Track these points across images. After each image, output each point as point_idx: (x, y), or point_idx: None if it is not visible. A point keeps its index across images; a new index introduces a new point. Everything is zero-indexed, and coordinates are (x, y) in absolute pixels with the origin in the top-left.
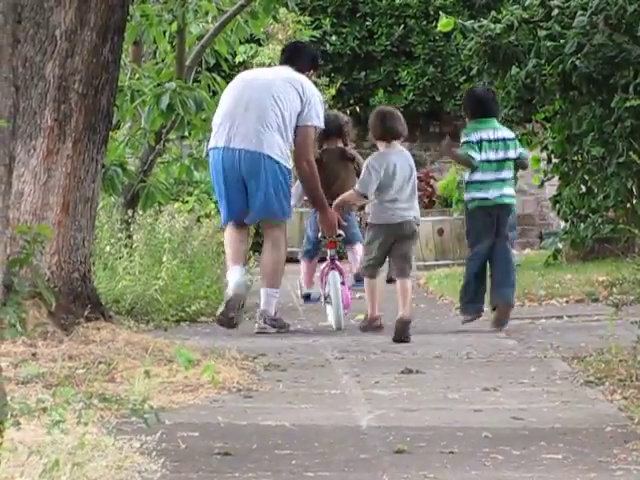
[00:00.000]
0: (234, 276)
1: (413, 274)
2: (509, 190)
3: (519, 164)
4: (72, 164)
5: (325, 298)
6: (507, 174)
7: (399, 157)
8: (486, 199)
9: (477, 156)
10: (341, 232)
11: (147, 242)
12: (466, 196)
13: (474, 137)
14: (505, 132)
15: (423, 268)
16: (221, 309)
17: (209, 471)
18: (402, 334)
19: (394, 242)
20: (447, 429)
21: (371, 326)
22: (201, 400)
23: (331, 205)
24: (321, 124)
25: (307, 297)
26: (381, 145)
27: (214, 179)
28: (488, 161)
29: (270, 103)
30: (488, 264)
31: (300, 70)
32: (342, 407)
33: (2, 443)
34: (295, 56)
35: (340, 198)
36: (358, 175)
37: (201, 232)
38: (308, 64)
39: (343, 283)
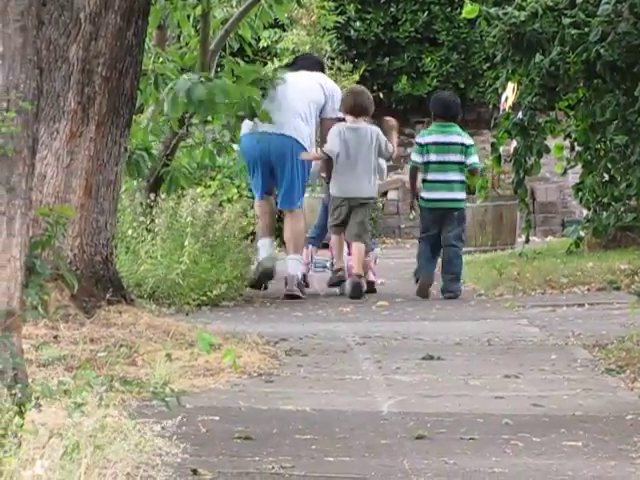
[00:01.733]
0: (264, 248)
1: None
2: (456, 192)
3: (470, 171)
4: (95, 147)
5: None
6: (455, 176)
7: (362, 132)
8: (432, 200)
9: (418, 159)
10: None
11: (169, 226)
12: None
13: (423, 140)
14: (461, 138)
15: None
16: (254, 277)
17: (229, 455)
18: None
19: (351, 211)
20: (468, 415)
21: (337, 275)
22: (222, 384)
23: None
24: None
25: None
26: (349, 118)
27: (245, 161)
28: (436, 163)
29: (298, 96)
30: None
31: None
32: (363, 393)
33: (23, 425)
34: (308, 64)
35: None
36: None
37: (223, 216)
38: (318, 70)
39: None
